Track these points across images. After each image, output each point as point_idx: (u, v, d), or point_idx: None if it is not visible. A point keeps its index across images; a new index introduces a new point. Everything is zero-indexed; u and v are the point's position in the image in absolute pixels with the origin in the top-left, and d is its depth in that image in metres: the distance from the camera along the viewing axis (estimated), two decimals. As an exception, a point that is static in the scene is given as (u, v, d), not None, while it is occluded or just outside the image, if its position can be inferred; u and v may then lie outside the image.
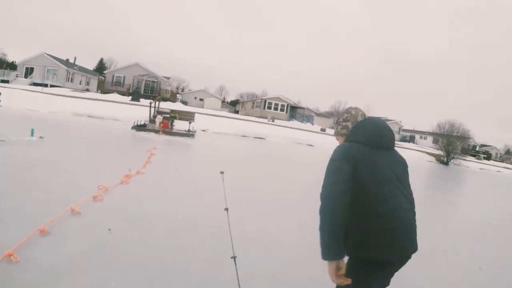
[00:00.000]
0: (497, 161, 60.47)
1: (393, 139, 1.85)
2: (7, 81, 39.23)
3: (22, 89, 30.98)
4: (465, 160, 35.51)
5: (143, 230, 3.93)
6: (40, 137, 9.51)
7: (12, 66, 47.24)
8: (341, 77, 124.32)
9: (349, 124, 1.92)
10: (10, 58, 56.36)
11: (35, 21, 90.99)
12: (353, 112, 1.95)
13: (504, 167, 45.29)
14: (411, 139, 61.12)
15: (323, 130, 41.78)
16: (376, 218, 1.57)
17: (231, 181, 7.13)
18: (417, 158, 31.88)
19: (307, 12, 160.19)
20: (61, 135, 11.83)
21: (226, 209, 3.39)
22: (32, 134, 9.57)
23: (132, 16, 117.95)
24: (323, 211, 1.53)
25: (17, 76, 40.56)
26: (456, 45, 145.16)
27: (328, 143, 29.36)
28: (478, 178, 24.13)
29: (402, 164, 1.83)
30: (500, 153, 74.12)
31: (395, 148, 1.91)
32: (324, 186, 1.59)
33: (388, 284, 1.76)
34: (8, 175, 5.44)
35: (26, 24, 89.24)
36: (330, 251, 1.50)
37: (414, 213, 1.74)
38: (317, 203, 1.58)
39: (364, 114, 1.97)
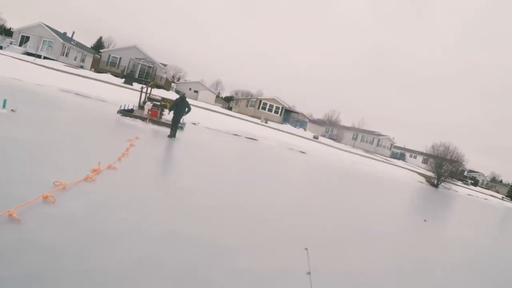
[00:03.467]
0: (483, 187, 60.78)
1: (184, 98, 12.90)
2: (0, 47, 37.65)
3: (13, 57, 29.66)
4: (455, 184, 35.29)
5: (93, 259, 2.98)
6: (12, 110, 8.61)
7: (8, 33, 45.36)
8: (337, 86, 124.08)
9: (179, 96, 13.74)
10: (8, 25, 54.13)
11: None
12: (181, 95, 13.59)
13: (491, 195, 45.39)
14: (401, 157, 60.84)
15: (315, 137, 41.12)
16: (174, 113, 12.44)
17: (223, 196, 6.35)
18: (408, 177, 31.86)
19: (312, 16, 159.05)
20: (37, 110, 10.82)
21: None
22: (4, 106, 8.65)
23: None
24: (170, 109, 13.59)
25: (11, 43, 38.97)
26: (460, 67, 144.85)
27: (320, 151, 28.74)
28: (472, 206, 23.76)
29: (185, 102, 12.65)
30: (487, 180, 74.56)
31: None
32: (171, 105, 14.07)
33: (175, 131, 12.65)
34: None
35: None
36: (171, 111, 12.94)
37: (180, 116, 12.64)
38: None
39: (183, 95, 13.40)
